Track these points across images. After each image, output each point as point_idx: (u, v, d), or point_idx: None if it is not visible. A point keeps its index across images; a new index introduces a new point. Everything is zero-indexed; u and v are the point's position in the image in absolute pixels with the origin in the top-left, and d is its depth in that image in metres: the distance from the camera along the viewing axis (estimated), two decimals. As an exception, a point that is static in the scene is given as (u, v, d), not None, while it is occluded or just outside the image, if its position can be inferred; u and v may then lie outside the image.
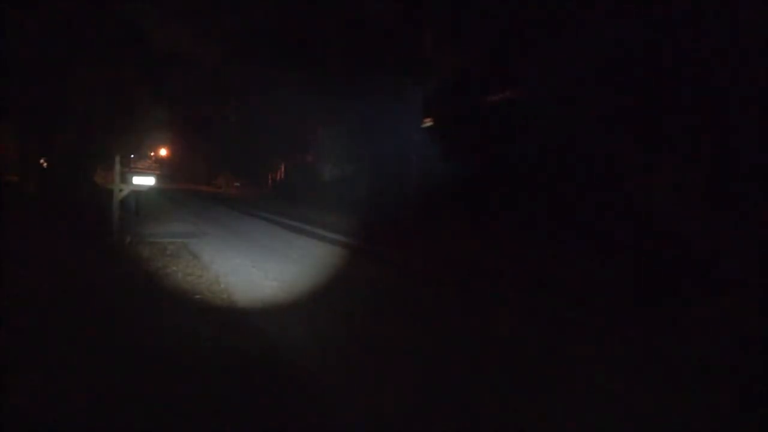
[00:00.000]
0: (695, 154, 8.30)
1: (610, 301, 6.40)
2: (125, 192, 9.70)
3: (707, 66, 7.94)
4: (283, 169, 31.97)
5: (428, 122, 14.77)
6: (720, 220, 7.43)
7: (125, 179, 9.82)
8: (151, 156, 50.01)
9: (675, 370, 4.32)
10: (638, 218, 8.54)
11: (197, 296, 5.86)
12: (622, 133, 9.33)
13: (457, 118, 14.11)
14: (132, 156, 33.11)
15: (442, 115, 14.86)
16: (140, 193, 11.30)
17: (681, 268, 7.15)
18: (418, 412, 3.40)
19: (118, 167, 9.51)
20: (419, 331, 5.26)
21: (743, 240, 7.05)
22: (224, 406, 3.24)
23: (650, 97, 8.95)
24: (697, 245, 7.35)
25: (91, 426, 2.96)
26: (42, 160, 18.15)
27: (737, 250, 6.95)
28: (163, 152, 49.60)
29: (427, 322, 5.62)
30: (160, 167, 49.02)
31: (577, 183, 10.40)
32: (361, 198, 19.26)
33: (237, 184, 41.71)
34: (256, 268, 7.77)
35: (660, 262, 7.56)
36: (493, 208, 12.64)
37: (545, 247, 10.04)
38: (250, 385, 3.56)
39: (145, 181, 9.91)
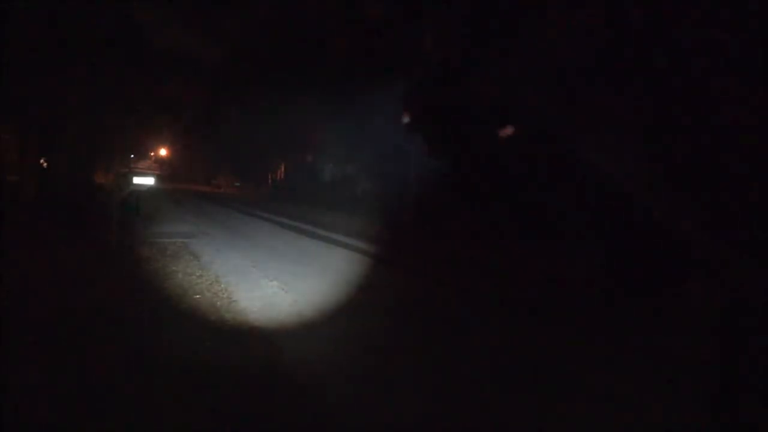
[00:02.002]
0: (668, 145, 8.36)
1: (602, 299, 6.44)
2: (125, 192, 9.72)
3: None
4: (283, 169, 31.97)
5: (418, 126, 14.77)
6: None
7: (125, 179, 9.84)
8: (151, 156, 50.06)
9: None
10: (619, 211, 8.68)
11: (197, 296, 5.88)
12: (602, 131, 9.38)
13: (453, 119, 14.13)
14: (132, 156, 33.10)
15: (437, 115, 14.87)
16: (140, 193, 11.33)
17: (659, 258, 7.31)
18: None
19: (118, 167, 9.53)
20: (415, 326, 5.30)
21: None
22: (223, 407, 3.26)
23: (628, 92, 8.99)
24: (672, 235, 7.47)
25: (90, 426, 2.98)
26: (42, 160, 18.16)
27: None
28: (163, 152, 49.60)
29: (418, 316, 5.66)
30: (160, 167, 49.05)
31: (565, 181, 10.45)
32: (361, 198, 19.30)
33: (237, 184, 41.78)
34: (256, 268, 7.78)
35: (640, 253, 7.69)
36: (488, 208, 12.69)
37: (537, 246, 10.10)
38: (252, 388, 3.58)
39: (144, 181, 9.95)
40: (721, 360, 4.16)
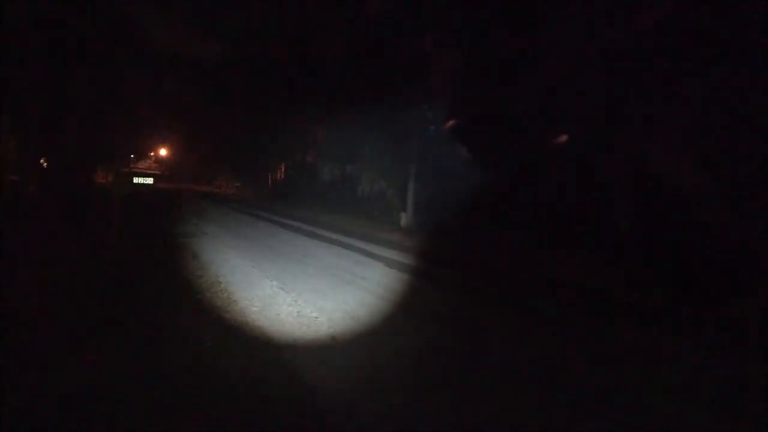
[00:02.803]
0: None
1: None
2: (125, 192, 9.70)
3: None
4: (283, 169, 31.95)
5: (429, 124, 14.79)
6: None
7: (125, 179, 9.82)
8: (151, 156, 50.10)
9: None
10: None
11: (197, 296, 5.87)
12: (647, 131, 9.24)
13: (455, 118, 14.11)
14: (132, 156, 33.13)
15: (442, 114, 14.87)
16: (140, 193, 11.31)
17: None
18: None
19: (118, 167, 9.53)
20: (416, 327, 5.31)
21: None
22: (223, 407, 3.25)
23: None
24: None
25: (89, 426, 2.97)
26: (42, 160, 18.17)
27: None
28: (163, 152, 49.63)
29: (419, 316, 5.66)
30: (160, 167, 49.07)
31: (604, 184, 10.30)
32: (362, 198, 19.28)
33: (237, 184, 41.76)
34: (255, 268, 7.77)
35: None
36: (494, 209, 12.65)
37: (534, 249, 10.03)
38: (252, 388, 3.57)
39: (144, 181, 9.92)
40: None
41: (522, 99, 11.65)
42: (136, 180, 9.90)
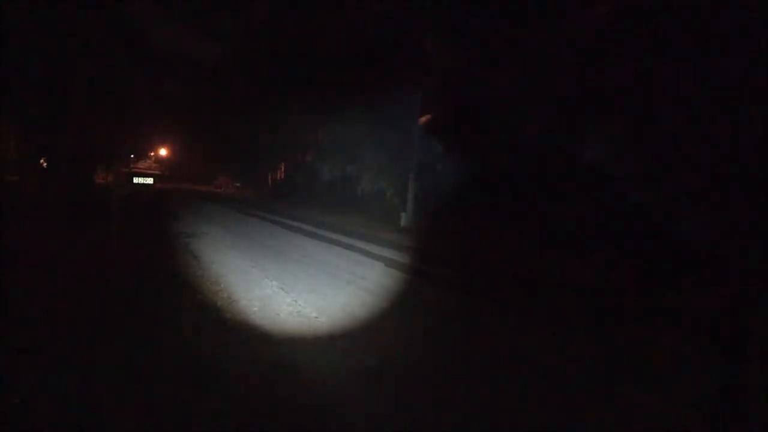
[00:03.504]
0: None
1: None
2: (125, 192, 9.71)
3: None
4: (282, 169, 31.96)
5: (426, 118, 14.82)
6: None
7: (125, 179, 9.83)
8: (151, 156, 50.06)
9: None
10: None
11: (198, 296, 5.86)
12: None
13: (454, 118, 14.12)
14: (132, 156, 33.13)
15: (440, 114, 14.88)
16: (140, 193, 11.31)
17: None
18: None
19: (118, 167, 9.53)
20: (416, 326, 5.31)
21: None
22: (222, 405, 3.25)
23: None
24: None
25: (89, 426, 2.97)
26: (42, 160, 18.18)
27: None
28: (163, 152, 49.62)
29: (419, 315, 5.67)
30: (160, 167, 49.05)
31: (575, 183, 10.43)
32: (361, 198, 19.28)
33: (237, 184, 41.80)
34: (256, 267, 7.77)
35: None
36: (494, 209, 12.66)
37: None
38: (252, 387, 3.57)
39: (144, 181, 9.93)
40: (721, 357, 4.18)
41: (508, 99, 11.75)
42: (136, 180, 9.92)
